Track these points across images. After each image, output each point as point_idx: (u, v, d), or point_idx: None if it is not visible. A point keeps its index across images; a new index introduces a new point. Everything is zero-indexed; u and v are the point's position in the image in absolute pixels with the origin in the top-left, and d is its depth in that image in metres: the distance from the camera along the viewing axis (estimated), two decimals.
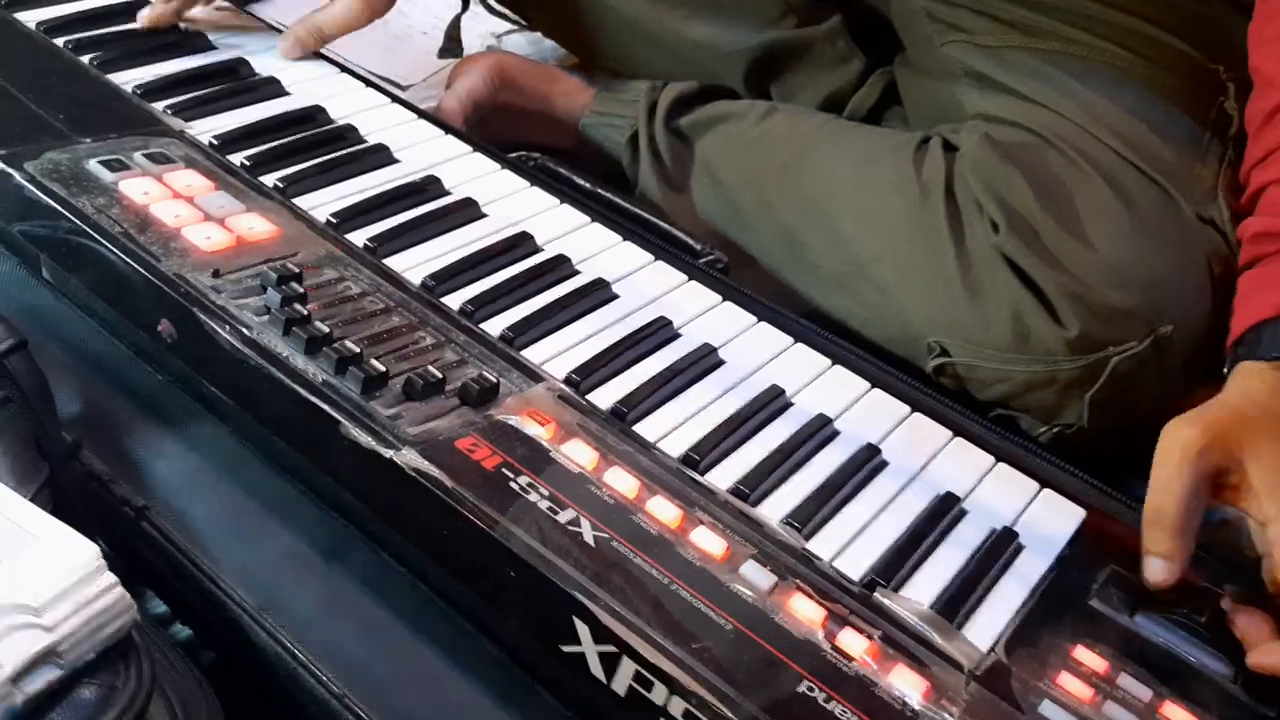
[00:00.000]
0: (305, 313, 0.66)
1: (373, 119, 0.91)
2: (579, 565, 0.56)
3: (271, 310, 0.67)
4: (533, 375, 0.69)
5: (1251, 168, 0.79)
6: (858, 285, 0.89)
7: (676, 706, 0.53)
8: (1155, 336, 0.79)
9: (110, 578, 0.51)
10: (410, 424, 0.62)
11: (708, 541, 0.60)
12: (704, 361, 0.74)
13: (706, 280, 0.82)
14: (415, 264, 0.76)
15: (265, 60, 0.95)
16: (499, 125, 1.11)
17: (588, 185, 0.92)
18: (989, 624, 0.61)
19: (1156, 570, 0.62)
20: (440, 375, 0.65)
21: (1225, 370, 0.71)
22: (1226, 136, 0.86)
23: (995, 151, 0.85)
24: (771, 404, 0.72)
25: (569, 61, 1.27)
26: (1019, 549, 0.66)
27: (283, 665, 0.60)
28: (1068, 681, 0.58)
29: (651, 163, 1.03)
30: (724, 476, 0.66)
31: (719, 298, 0.81)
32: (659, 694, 0.53)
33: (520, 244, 0.81)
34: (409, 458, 0.60)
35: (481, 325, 0.72)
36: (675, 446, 0.67)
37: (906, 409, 0.75)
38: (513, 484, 0.60)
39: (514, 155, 0.93)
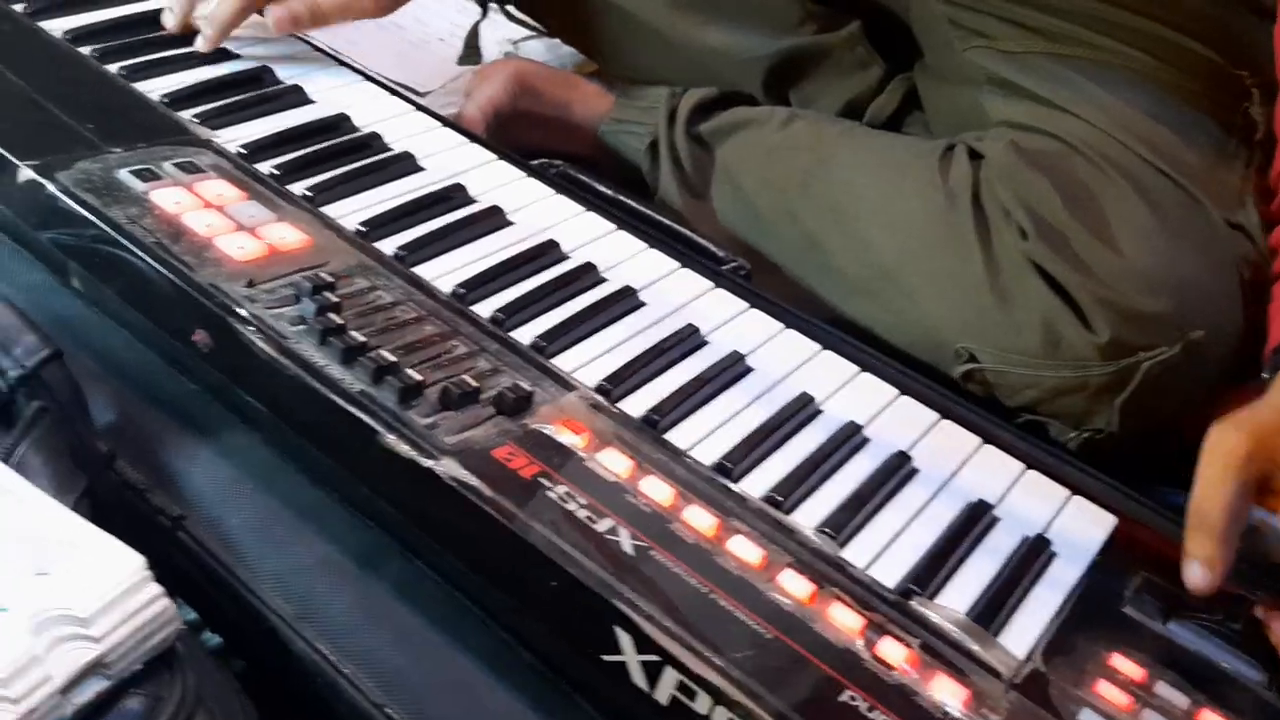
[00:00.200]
0: (340, 322, 0.66)
1: (396, 127, 0.91)
2: (620, 575, 0.56)
3: (307, 320, 0.67)
4: (564, 384, 0.69)
5: None
6: (883, 291, 0.89)
7: (720, 716, 0.53)
8: (1186, 341, 0.79)
9: (156, 588, 0.51)
10: (447, 433, 0.62)
11: (745, 550, 0.60)
12: (732, 369, 0.74)
13: (731, 287, 0.82)
14: (444, 272, 0.76)
15: (288, 69, 0.95)
16: (518, 132, 1.11)
17: (610, 192, 0.92)
18: (1024, 632, 0.61)
19: (1197, 574, 0.61)
20: (475, 384, 0.65)
21: (1265, 375, 0.71)
22: (1252, 142, 0.86)
23: (1022, 159, 0.85)
24: (801, 411, 0.72)
25: (587, 68, 1.27)
26: (1051, 556, 0.66)
27: (321, 674, 0.60)
28: (1106, 690, 0.58)
29: (672, 169, 1.03)
30: (757, 485, 0.66)
31: (745, 305, 0.81)
32: (703, 703, 0.53)
33: (547, 252, 0.81)
34: (448, 467, 0.60)
35: (512, 333, 0.72)
36: (707, 455, 0.67)
37: (935, 416, 0.75)
38: (550, 493, 0.60)
39: (536, 162, 0.93)
